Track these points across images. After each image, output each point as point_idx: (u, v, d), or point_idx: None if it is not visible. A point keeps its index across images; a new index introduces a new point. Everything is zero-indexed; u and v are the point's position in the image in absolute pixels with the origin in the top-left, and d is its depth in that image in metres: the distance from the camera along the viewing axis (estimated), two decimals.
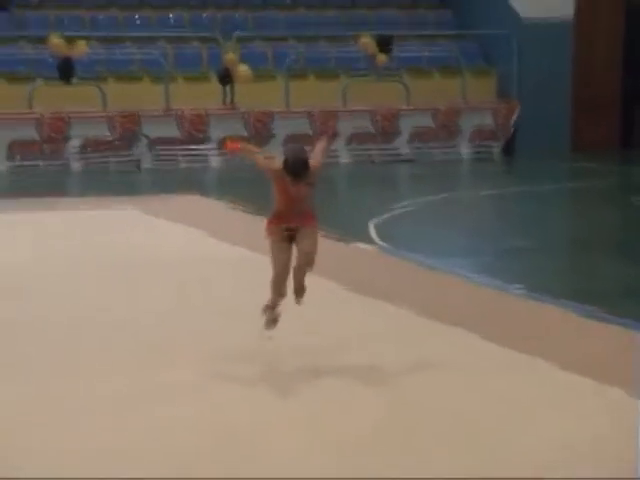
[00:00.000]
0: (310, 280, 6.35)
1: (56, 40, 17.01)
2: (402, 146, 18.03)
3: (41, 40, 17.75)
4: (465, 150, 18.34)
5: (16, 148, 16.28)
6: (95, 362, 6.09)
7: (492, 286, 7.98)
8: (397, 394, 5.50)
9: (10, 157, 16.23)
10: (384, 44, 18.21)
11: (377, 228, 10.66)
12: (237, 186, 15.20)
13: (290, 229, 6.32)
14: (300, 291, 6.36)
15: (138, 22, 19.40)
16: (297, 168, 5.98)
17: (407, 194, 14.62)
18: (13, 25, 18.77)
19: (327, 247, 9.61)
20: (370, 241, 9.93)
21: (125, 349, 6.34)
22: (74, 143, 16.54)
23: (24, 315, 7.19)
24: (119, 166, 16.61)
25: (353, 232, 10.32)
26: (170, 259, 9.02)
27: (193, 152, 17.07)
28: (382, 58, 18.22)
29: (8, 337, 6.67)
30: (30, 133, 16.31)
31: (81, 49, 17.16)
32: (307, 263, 6.29)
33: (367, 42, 18.27)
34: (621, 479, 4.47)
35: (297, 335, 6.53)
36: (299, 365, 6.04)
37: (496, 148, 18.49)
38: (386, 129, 17.95)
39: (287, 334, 6.31)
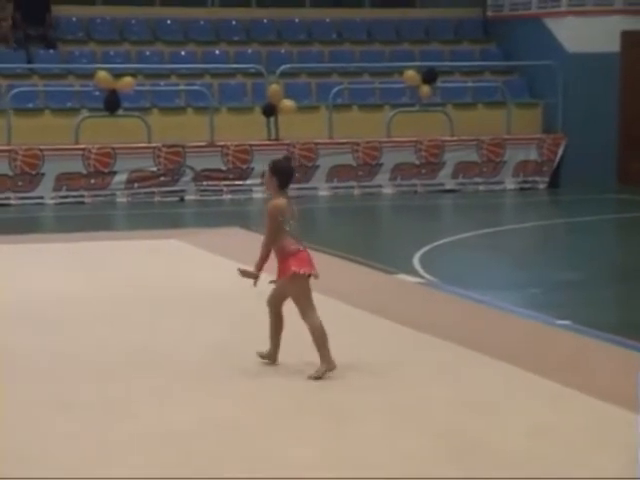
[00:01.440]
0: (355, 313, 6.34)
1: (102, 74, 17.17)
2: (446, 178, 17.98)
3: (88, 75, 17.93)
4: (510, 183, 18.25)
5: (63, 180, 16.41)
6: (149, 394, 6.08)
7: (538, 319, 7.90)
8: (444, 426, 5.45)
9: (57, 189, 16.37)
10: (429, 77, 18.20)
11: (422, 260, 10.61)
12: None
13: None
14: None
15: (184, 56, 19.55)
16: (292, 170, 6.65)
17: (452, 226, 14.56)
18: (61, 60, 18.98)
19: (372, 279, 9.61)
20: (415, 274, 9.89)
21: (175, 379, 6.33)
22: (119, 177, 16.65)
23: (76, 345, 7.21)
24: (164, 198, 16.69)
25: (397, 264, 10.29)
26: (214, 292, 9.03)
27: (237, 184, 17.13)
28: (426, 90, 18.22)
29: (60, 369, 6.68)
30: (77, 165, 16.45)
31: (127, 83, 17.31)
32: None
33: (411, 75, 18.28)
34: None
35: (346, 370, 6.49)
36: (352, 401, 5.99)
37: (541, 182, 18.39)
38: (430, 161, 17.92)
39: (344, 372, 6.27)
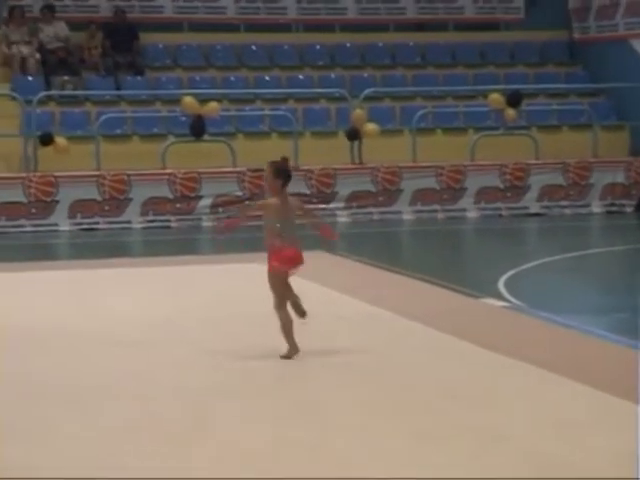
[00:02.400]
0: (440, 336, 6.32)
1: (188, 100, 17.40)
2: (531, 201, 17.83)
3: (174, 100, 18.18)
4: (596, 207, 18.03)
5: (150, 205, 16.63)
6: (229, 414, 6.11)
7: (625, 344, 7.79)
8: (530, 447, 5.39)
9: (144, 213, 16.58)
10: (514, 100, 18.10)
11: (507, 284, 10.53)
12: (364, 243, 15.23)
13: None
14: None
15: (268, 81, 19.72)
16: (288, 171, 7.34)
17: (537, 250, 14.43)
18: (148, 87, 19.28)
19: (456, 303, 9.56)
20: (500, 297, 9.82)
21: (258, 395, 6.35)
22: (205, 201, 16.81)
23: (160, 367, 7.28)
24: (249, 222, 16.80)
25: (483, 288, 10.22)
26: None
27: (321, 208, 17.19)
28: (511, 113, 18.12)
29: (141, 389, 6.74)
30: (163, 190, 16.65)
31: (213, 108, 17.51)
32: None
33: (496, 98, 18.20)
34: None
35: (432, 393, 6.47)
36: (437, 423, 5.96)
37: (628, 205, 18.13)
38: (515, 184, 17.79)
39: (428, 395, 6.24)
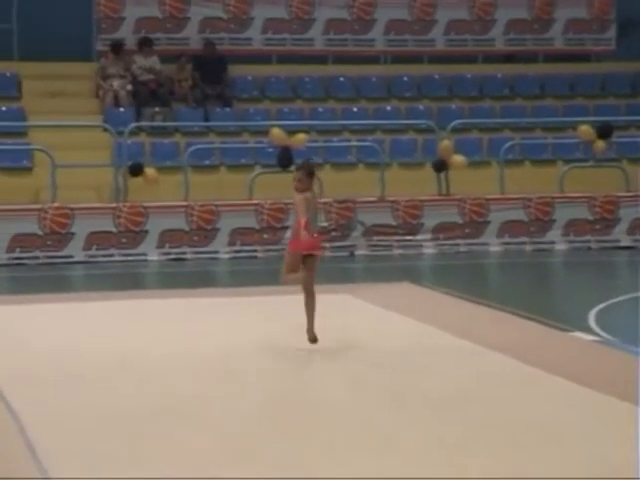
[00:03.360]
0: (529, 370, 6.22)
1: (276, 131, 17.51)
2: (621, 234, 17.57)
3: (262, 132, 18.32)
4: None
5: (237, 235, 16.72)
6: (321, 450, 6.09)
7: None
8: None
9: (231, 243, 16.69)
10: (604, 132, 17.88)
11: (598, 318, 10.36)
12: (451, 275, 15.12)
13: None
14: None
15: (355, 113, 19.77)
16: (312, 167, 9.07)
17: (629, 283, 14.17)
18: (236, 118, 19.45)
19: (545, 337, 9.43)
20: (590, 331, 9.66)
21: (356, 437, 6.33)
22: (290, 232, 16.84)
23: (255, 395, 7.29)
24: (334, 253, 16.80)
25: (572, 321, 10.07)
26: (385, 347, 9.01)
27: (407, 239, 17.13)
28: (601, 145, 17.90)
29: (236, 418, 6.75)
30: (250, 221, 16.74)
31: (300, 139, 17.59)
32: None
33: (586, 130, 18.00)
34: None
35: (523, 428, 6.37)
36: (531, 460, 5.87)
37: None
38: (604, 217, 17.55)
39: (519, 431, 6.15)
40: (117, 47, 19.08)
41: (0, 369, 8.15)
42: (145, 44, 19.18)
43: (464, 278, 14.77)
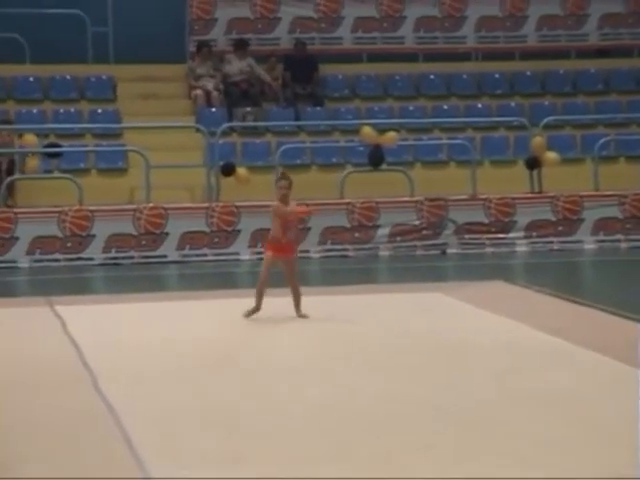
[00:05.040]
0: (631, 372, 6.09)
1: (367, 130, 17.51)
2: None
3: (353, 130, 18.33)
4: None
5: (328, 234, 16.75)
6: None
7: None
8: None
9: (322, 242, 16.72)
10: None
11: None
12: (544, 273, 14.95)
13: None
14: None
15: (446, 110, 19.68)
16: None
17: None
18: (327, 117, 19.50)
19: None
20: None
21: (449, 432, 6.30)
22: (382, 230, 16.84)
23: (349, 395, 7.30)
24: (426, 251, 16.75)
25: None
26: (479, 345, 8.95)
27: (499, 237, 16.99)
28: None
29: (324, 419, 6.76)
30: (341, 220, 16.75)
31: (391, 138, 17.57)
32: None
33: None
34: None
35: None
36: None
37: None
38: None
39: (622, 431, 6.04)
40: (204, 48, 19.28)
41: (99, 367, 8.27)
42: (241, 46, 19.32)
43: (558, 276, 14.60)
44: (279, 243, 10.28)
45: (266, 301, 10.40)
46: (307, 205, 10.74)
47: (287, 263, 10.32)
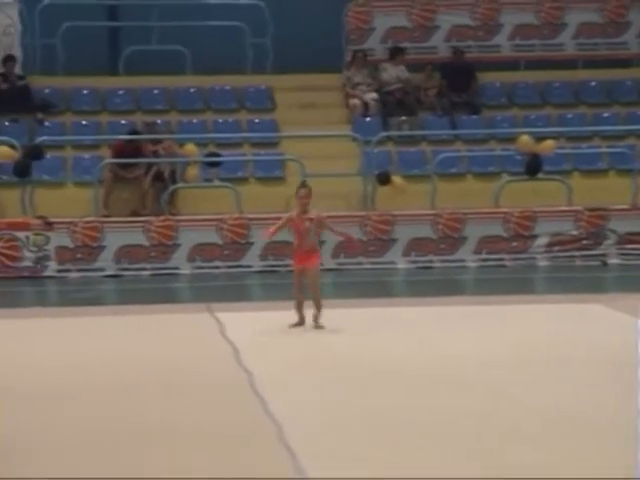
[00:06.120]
0: None
1: (524, 138, 17.32)
2: None
3: (509, 139, 18.15)
4: None
5: (484, 244, 16.58)
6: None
7: None
8: None
9: (477, 252, 16.58)
10: None
11: None
12: None
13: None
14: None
15: (606, 118, 19.30)
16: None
17: None
18: (483, 126, 19.35)
19: None
20: None
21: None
22: (540, 240, 16.62)
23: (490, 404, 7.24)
24: (585, 262, 16.45)
25: None
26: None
27: None
28: None
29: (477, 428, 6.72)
30: (497, 229, 16.57)
31: (548, 146, 17.34)
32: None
33: None
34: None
35: None
36: None
37: None
38: None
39: None
40: (358, 54, 19.41)
41: (258, 373, 8.40)
42: (396, 53, 19.38)
43: None
44: (298, 252, 10.30)
45: (415, 311, 10.32)
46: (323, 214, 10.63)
47: (308, 271, 10.22)
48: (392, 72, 19.36)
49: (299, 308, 10.29)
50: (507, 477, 5.70)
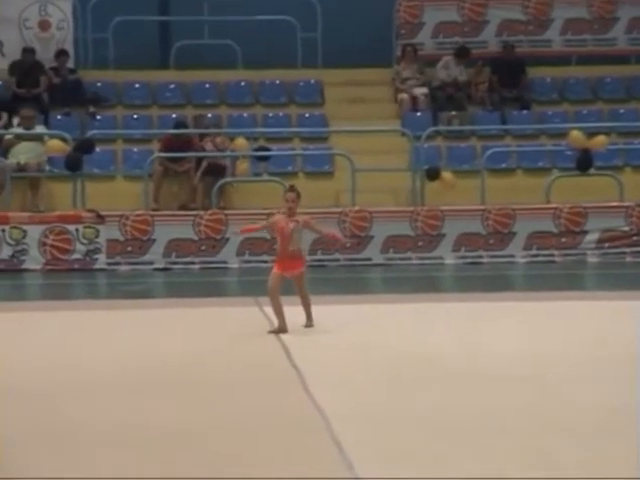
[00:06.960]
0: None
1: (575, 134, 17.22)
2: None
3: (560, 134, 18.05)
4: None
5: (534, 239, 16.51)
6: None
7: None
8: None
9: (527, 247, 16.50)
10: None
11: None
12: None
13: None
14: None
15: None
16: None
17: None
18: (534, 121, 19.25)
19: None
20: None
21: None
22: (590, 236, 16.52)
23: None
24: (636, 259, 16.32)
25: None
26: None
27: None
28: None
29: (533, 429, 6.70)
30: (547, 225, 16.50)
31: (600, 142, 17.22)
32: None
33: None
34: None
35: None
36: None
37: None
38: None
39: None
40: (408, 48, 19.37)
41: (306, 367, 8.43)
42: (464, 54, 19.22)
43: None
44: (282, 258, 9.89)
45: (463, 306, 10.29)
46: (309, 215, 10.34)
47: (296, 278, 9.95)
48: (454, 71, 19.25)
49: (279, 313, 9.84)
50: (556, 477, 5.68)
